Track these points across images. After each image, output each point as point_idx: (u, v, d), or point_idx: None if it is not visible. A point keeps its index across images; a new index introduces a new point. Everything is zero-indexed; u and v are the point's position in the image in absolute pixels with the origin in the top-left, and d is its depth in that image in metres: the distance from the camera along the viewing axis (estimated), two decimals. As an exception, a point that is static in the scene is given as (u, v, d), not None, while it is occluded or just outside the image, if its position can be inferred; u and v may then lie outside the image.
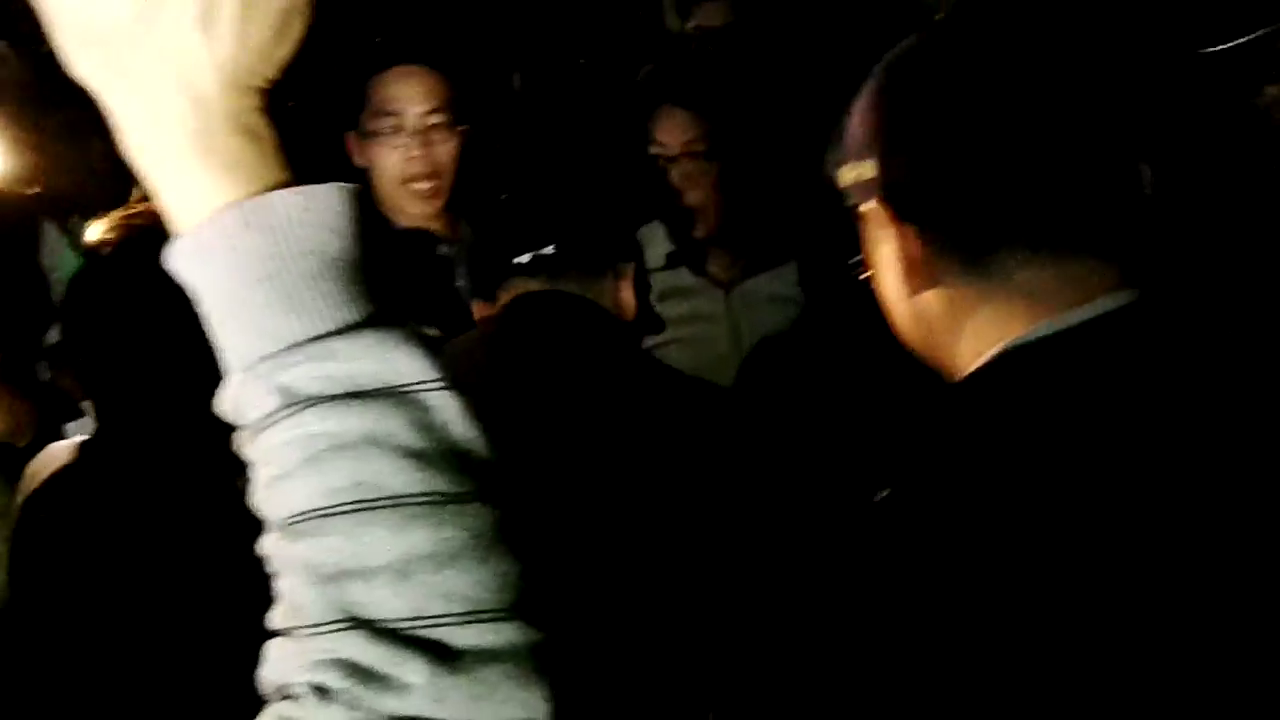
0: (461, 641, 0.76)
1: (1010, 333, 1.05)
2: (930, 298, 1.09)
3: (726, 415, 1.87)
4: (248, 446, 0.80)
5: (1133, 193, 1.07)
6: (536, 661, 0.77)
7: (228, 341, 0.80)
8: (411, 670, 0.74)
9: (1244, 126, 1.96)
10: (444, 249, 2.57)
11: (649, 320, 2.15)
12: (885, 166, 1.08)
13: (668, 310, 2.55)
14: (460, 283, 2.61)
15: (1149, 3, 2.31)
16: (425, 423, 0.78)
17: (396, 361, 0.78)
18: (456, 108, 2.56)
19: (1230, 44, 1.90)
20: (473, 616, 0.76)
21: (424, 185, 2.54)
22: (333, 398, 0.77)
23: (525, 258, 1.87)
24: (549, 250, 1.86)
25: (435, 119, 2.54)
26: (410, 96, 2.52)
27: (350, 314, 0.78)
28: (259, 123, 0.80)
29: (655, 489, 1.72)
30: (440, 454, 0.78)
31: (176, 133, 0.79)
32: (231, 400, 0.80)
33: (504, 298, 1.91)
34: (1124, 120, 1.07)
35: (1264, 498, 0.97)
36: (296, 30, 0.81)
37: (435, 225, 2.60)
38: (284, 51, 0.81)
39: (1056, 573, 0.94)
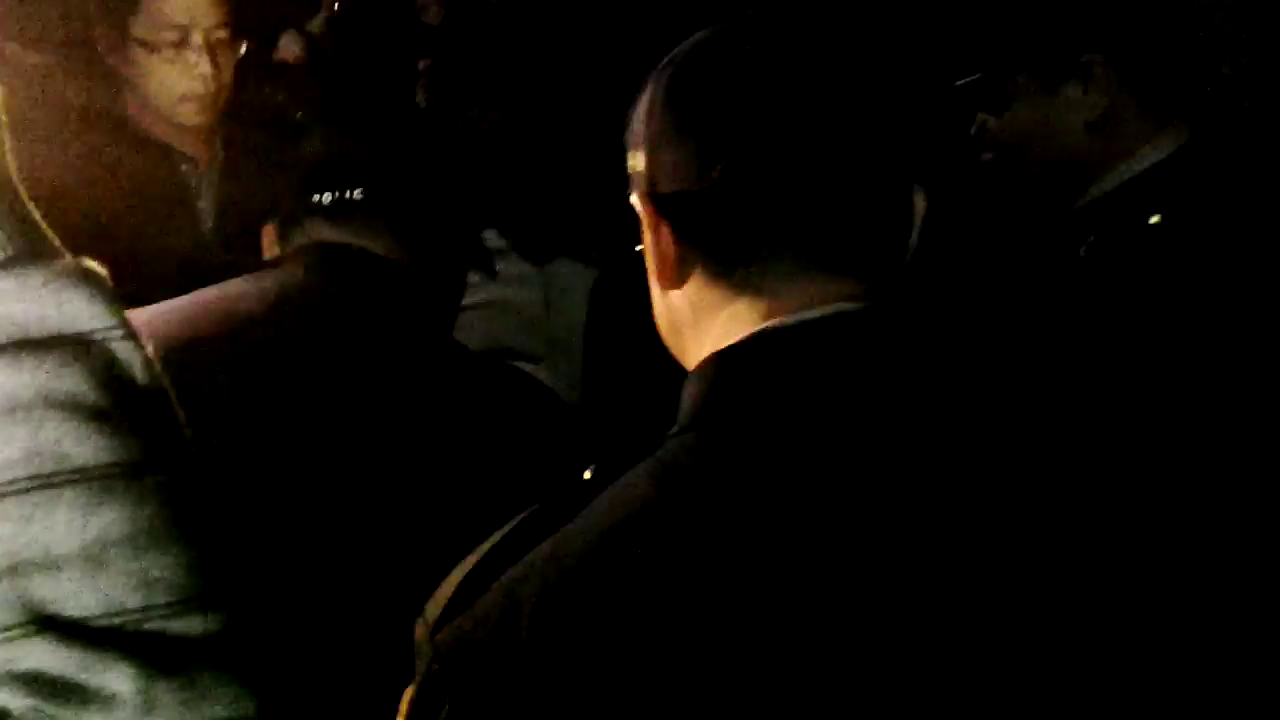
0: (170, 635, 0.65)
1: (746, 331, 1.09)
2: (678, 295, 1.13)
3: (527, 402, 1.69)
4: None
5: (893, 216, 1.12)
6: (245, 653, 0.67)
7: None
8: (116, 676, 0.63)
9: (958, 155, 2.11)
10: (186, 168, 2.51)
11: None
12: (651, 164, 1.12)
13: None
14: (202, 204, 2.60)
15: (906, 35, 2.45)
16: (111, 378, 0.67)
17: (73, 304, 0.67)
18: (239, 17, 2.46)
19: (968, 79, 2.04)
20: (180, 606, 0.66)
21: (203, 103, 2.45)
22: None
23: (326, 197, 1.60)
24: (356, 194, 1.59)
25: (223, 33, 2.42)
26: (202, 9, 2.40)
27: (10, 247, 0.67)
28: None
29: (425, 473, 1.55)
30: (130, 415, 0.67)
31: None
32: None
33: (293, 242, 1.63)
34: (895, 145, 1.12)
35: (957, 497, 1.04)
36: None
37: (193, 143, 2.52)
38: None
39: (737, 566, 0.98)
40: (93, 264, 0.69)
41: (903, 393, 1.05)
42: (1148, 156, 1.93)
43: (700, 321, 1.12)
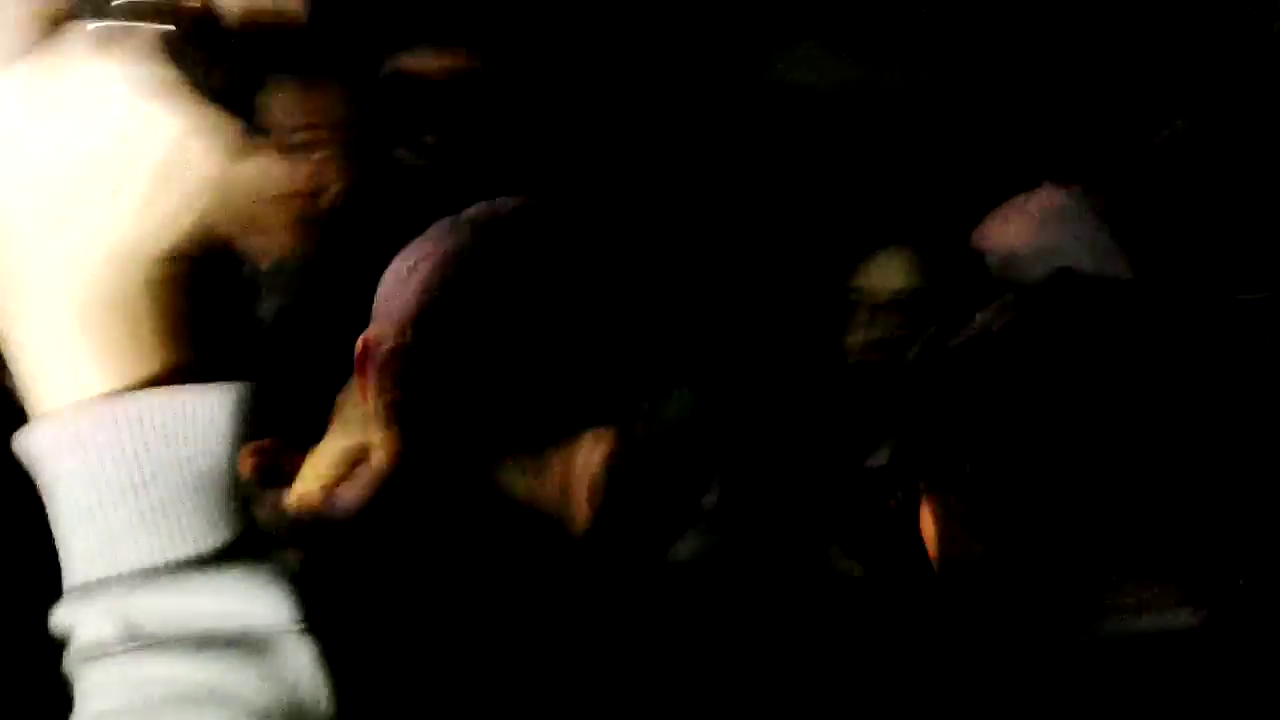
0: None
1: None
2: None
3: None
4: (75, 668, 0.71)
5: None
6: None
7: (74, 548, 0.71)
8: None
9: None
10: (247, 269, 2.38)
11: None
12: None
13: None
14: (264, 309, 2.45)
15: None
16: (277, 676, 0.71)
17: (259, 601, 0.71)
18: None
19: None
20: None
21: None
22: (180, 640, 0.69)
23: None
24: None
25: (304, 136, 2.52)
26: (284, 110, 2.47)
27: (216, 538, 0.71)
28: (155, 301, 0.72)
29: None
30: (286, 713, 0.70)
31: (57, 301, 0.71)
32: (66, 613, 0.72)
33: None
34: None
35: None
36: (205, 201, 0.73)
37: (257, 239, 2.41)
38: (191, 221, 0.73)
39: None
40: (288, 555, 0.75)
41: None
42: None
43: None
